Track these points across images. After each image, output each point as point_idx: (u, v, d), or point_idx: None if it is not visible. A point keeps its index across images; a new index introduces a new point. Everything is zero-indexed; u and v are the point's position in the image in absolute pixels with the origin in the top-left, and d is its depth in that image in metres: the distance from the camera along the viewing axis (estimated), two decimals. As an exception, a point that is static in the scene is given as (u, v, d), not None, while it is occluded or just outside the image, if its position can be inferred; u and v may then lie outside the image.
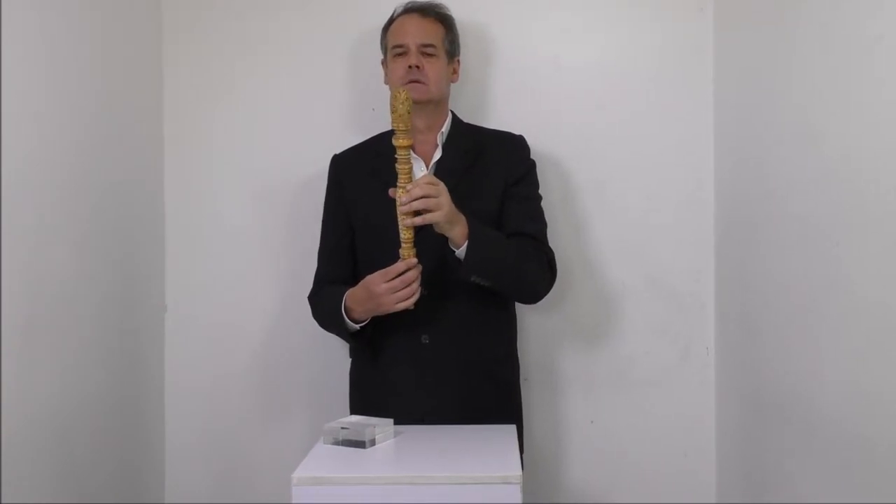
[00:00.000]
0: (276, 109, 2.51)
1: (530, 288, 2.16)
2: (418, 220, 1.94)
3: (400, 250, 1.98)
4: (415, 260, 1.98)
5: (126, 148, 2.32)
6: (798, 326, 1.96)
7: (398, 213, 1.96)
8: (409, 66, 2.14)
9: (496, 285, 2.08)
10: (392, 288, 1.98)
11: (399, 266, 1.98)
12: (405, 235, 1.97)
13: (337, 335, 2.19)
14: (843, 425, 1.75)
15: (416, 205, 1.92)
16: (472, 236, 1.99)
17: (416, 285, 1.99)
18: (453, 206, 1.97)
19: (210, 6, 2.53)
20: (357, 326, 2.09)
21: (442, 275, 2.11)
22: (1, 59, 1.74)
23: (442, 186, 1.95)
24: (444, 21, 2.23)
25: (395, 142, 1.95)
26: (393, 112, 1.94)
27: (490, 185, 2.16)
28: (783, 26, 2.03)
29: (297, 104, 2.51)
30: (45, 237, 1.92)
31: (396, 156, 1.95)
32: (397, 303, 1.99)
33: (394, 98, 1.94)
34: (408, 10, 2.22)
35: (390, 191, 1.96)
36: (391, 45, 2.20)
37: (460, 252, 2.01)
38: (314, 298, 2.23)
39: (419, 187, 1.93)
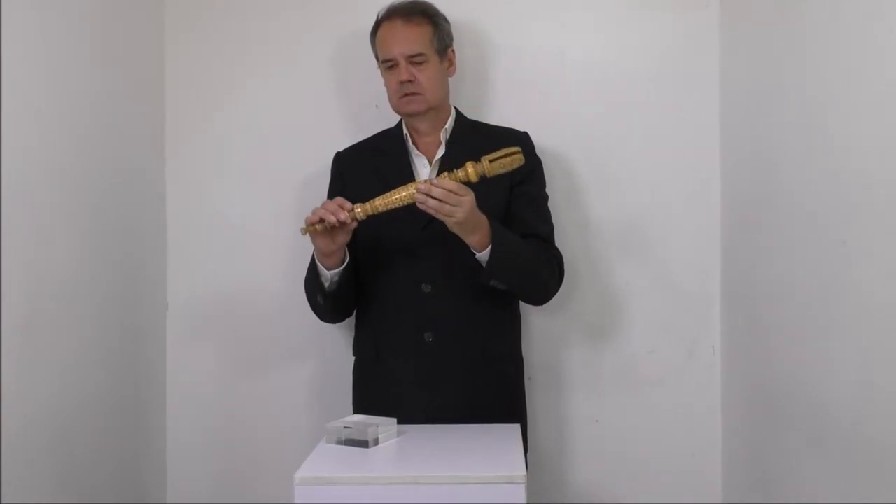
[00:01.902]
0: (279, 107, 2.50)
1: (542, 291, 2.16)
2: (431, 212, 1.90)
3: (358, 203, 1.94)
4: (349, 205, 1.94)
5: (128, 146, 2.31)
6: (805, 325, 1.94)
7: (402, 190, 1.93)
8: (401, 82, 2.12)
9: (511, 288, 2.08)
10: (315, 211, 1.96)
11: (341, 199, 1.96)
12: (375, 202, 1.94)
13: (315, 298, 2.13)
14: (851, 425, 1.74)
15: (432, 203, 1.89)
16: (496, 244, 1.98)
17: (316, 216, 1.94)
18: (475, 213, 1.93)
19: (212, 5, 2.52)
20: (328, 274, 2.05)
21: (445, 273, 2.10)
22: (1, 57, 1.73)
23: (467, 198, 1.90)
24: (430, 18, 2.18)
25: (471, 168, 1.92)
26: (483, 159, 1.93)
27: (495, 183, 2.14)
28: (790, 21, 2.02)
29: (300, 101, 2.50)
30: (46, 235, 1.91)
31: (456, 173, 1.92)
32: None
33: (510, 155, 1.93)
34: (390, 16, 2.17)
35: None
36: (380, 57, 2.18)
37: (481, 256, 2.00)
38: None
39: (443, 189, 1.88)
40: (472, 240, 1.97)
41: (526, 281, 2.09)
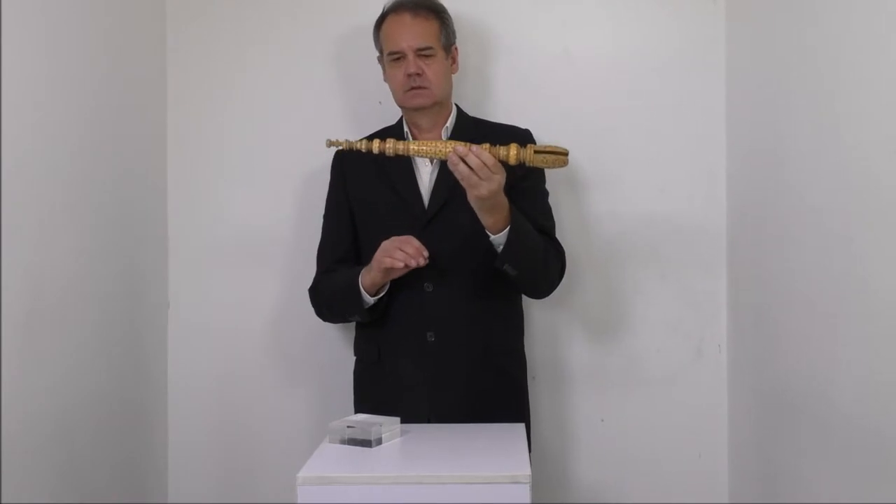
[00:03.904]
0: (280, 104, 2.49)
1: (548, 283, 2.14)
2: (456, 176, 1.88)
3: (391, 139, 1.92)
4: (426, 252, 1.97)
5: (129, 143, 2.30)
6: (813, 323, 1.92)
7: (439, 144, 1.91)
8: (409, 75, 2.11)
9: (521, 276, 2.05)
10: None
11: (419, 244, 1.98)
12: (410, 147, 1.92)
13: (342, 315, 2.14)
14: (860, 424, 1.72)
15: (463, 169, 1.86)
16: (514, 227, 1.96)
17: (398, 259, 1.96)
18: (500, 195, 1.92)
19: (213, 1, 2.51)
20: (371, 300, 2.06)
21: (446, 272, 2.09)
22: (1, 53, 1.72)
23: (498, 177, 1.88)
24: (438, 14, 2.17)
25: (515, 150, 1.90)
26: (528, 146, 1.92)
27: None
28: (796, 16, 2.01)
29: (301, 99, 2.48)
30: (47, 233, 1.90)
31: (498, 150, 1.90)
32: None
33: (556, 154, 1.92)
34: (398, 9, 2.16)
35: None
36: (386, 50, 2.16)
37: (495, 239, 1.98)
38: (317, 286, 2.20)
39: (480, 160, 1.86)
40: (487, 219, 1.95)
41: (536, 270, 2.07)
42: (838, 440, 1.81)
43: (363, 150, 1.94)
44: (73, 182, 2.02)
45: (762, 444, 2.23)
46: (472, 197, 1.90)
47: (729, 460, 2.45)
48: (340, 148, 1.96)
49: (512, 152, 1.90)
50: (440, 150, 1.90)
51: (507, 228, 1.96)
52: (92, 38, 2.12)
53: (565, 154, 1.93)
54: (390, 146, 1.93)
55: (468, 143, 1.89)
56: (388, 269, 1.99)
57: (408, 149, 1.93)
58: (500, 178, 1.88)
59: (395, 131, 2.22)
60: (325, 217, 2.25)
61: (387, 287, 2.07)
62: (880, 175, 1.63)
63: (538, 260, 2.05)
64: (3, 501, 1.70)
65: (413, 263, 1.96)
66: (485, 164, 1.86)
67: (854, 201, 1.73)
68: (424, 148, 1.92)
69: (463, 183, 1.88)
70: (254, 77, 2.49)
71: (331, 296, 2.16)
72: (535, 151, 1.91)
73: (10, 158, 1.74)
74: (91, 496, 2.06)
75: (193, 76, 2.50)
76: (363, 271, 2.06)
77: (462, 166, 1.86)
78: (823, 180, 1.86)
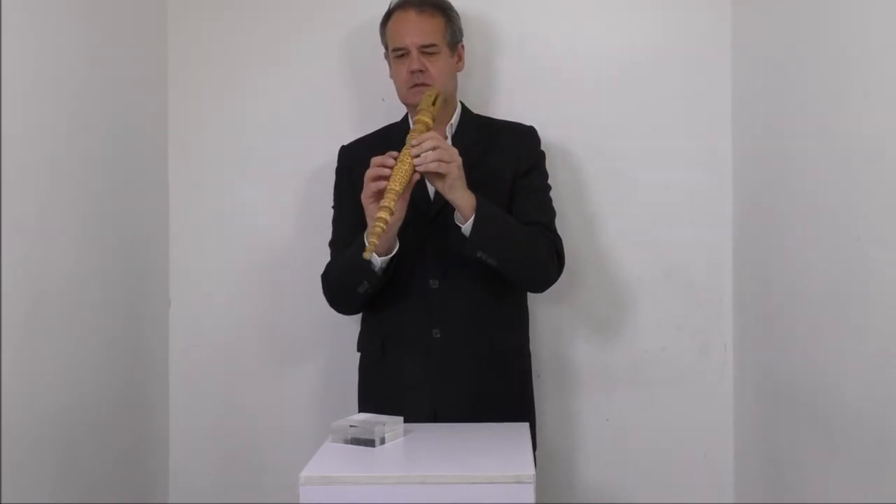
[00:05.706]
0: (283, 101, 2.48)
1: (538, 273, 2.10)
2: (432, 167, 1.89)
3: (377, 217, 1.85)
4: (393, 156, 1.92)
5: (129, 143, 2.30)
6: (819, 322, 1.91)
7: (401, 165, 1.90)
8: (412, 71, 2.10)
9: (502, 265, 2.01)
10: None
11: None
12: (393, 190, 1.87)
13: (352, 285, 2.06)
14: (866, 424, 1.71)
15: (433, 156, 1.88)
16: (480, 210, 1.95)
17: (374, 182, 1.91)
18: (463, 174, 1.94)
19: (215, -4, 2.51)
20: (378, 260, 2.00)
21: (452, 268, 2.08)
22: (2, 52, 1.71)
23: (448, 142, 1.91)
24: (443, 11, 2.17)
25: (425, 117, 1.96)
26: (420, 110, 1.99)
27: (499, 177, 2.13)
28: (803, 10, 1.99)
29: (304, 95, 2.48)
30: (49, 230, 1.90)
31: (418, 128, 1.95)
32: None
33: (435, 95, 2.02)
34: (403, 6, 2.15)
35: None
36: (390, 46, 2.16)
37: (466, 227, 1.97)
38: (328, 271, 2.16)
39: (430, 139, 1.89)
40: (465, 201, 1.94)
41: (516, 256, 2.03)
42: (844, 440, 1.80)
43: (381, 231, 1.85)
44: (73, 182, 2.01)
45: (768, 443, 2.22)
46: (453, 174, 1.91)
47: (734, 460, 2.44)
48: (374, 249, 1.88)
49: (426, 120, 1.96)
50: (406, 171, 1.89)
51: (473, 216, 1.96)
52: (92, 38, 2.11)
53: (431, 87, 2.06)
54: (385, 213, 1.84)
55: (406, 144, 1.91)
56: (373, 197, 1.92)
57: (390, 202, 1.86)
58: (452, 147, 1.93)
59: (400, 129, 2.22)
60: (335, 209, 2.22)
61: (396, 249, 2.02)
62: (887, 172, 1.62)
63: (515, 245, 2.02)
64: (3, 501, 1.69)
65: (386, 172, 1.90)
66: (433, 139, 1.90)
67: (860, 198, 1.72)
68: (396, 185, 1.87)
69: (442, 170, 1.90)
70: (255, 75, 2.49)
71: (339, 269, 2.11)
72: (433, 104, 2.01)
73: (10, 158, 1.73)
74: (91, 496, 2.06)
75: (193, 76, 2.49)
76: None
77: (430, 155, 1.88)
78: (830, 177, 1.85)
